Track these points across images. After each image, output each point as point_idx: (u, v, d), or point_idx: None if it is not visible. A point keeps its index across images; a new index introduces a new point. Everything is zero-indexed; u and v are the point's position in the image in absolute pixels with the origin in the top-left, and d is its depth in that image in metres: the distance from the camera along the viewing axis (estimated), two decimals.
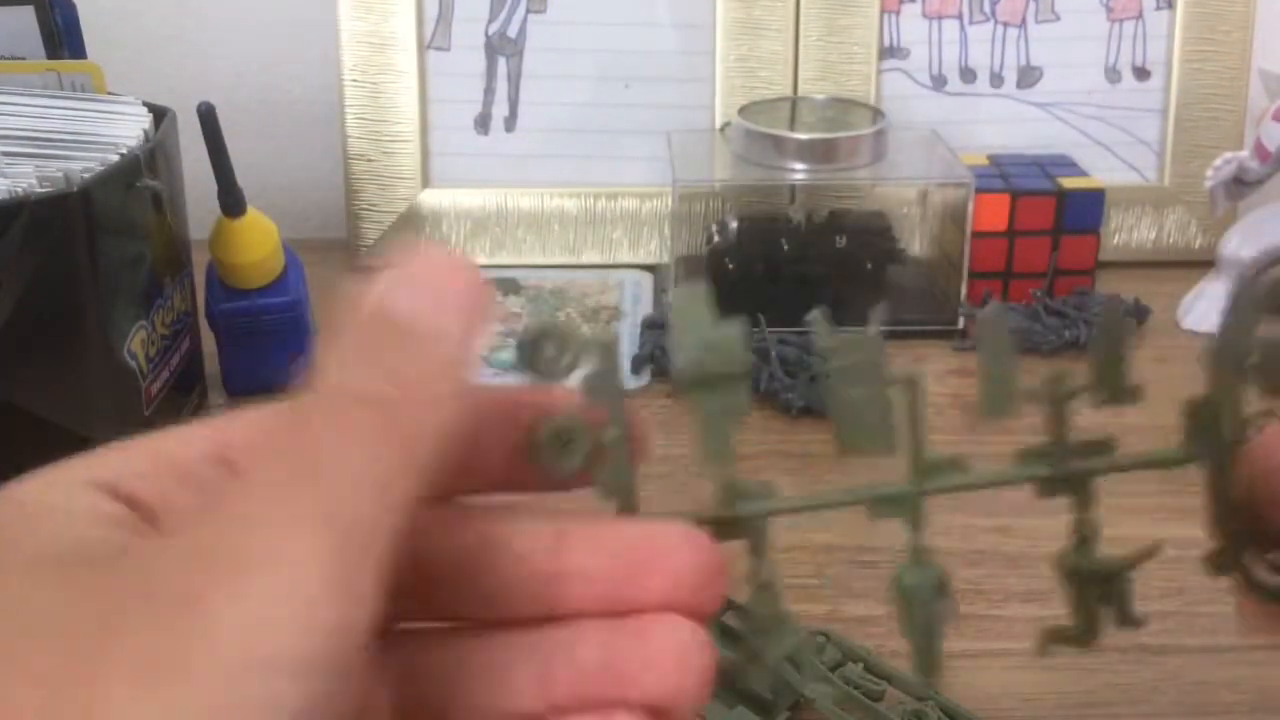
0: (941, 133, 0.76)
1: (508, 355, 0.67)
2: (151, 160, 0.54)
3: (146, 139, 0.55)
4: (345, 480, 0.21)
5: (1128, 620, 0.30)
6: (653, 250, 0.79)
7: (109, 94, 0.59)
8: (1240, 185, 0.70)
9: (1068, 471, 0.28)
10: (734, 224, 0.73)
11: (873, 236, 0.74)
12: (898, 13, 0.79)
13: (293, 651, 0.19)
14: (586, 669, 0.24)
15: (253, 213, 0.60)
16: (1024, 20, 0.80)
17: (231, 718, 0.19)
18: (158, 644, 0.19)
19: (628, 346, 0.67)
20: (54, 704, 0.19)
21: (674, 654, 0.24)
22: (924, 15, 0.80)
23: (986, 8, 0.80)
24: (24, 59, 0.60)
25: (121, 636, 0.19)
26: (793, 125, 0.75)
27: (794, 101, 0.78)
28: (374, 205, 0.79)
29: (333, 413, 0.22)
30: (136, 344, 0.54)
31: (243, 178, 0.59)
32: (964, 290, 0.70)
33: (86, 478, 0.23)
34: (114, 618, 0.20)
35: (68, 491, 0.23)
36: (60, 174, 0.50)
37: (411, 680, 0.25)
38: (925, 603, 0.28)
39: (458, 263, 0.25)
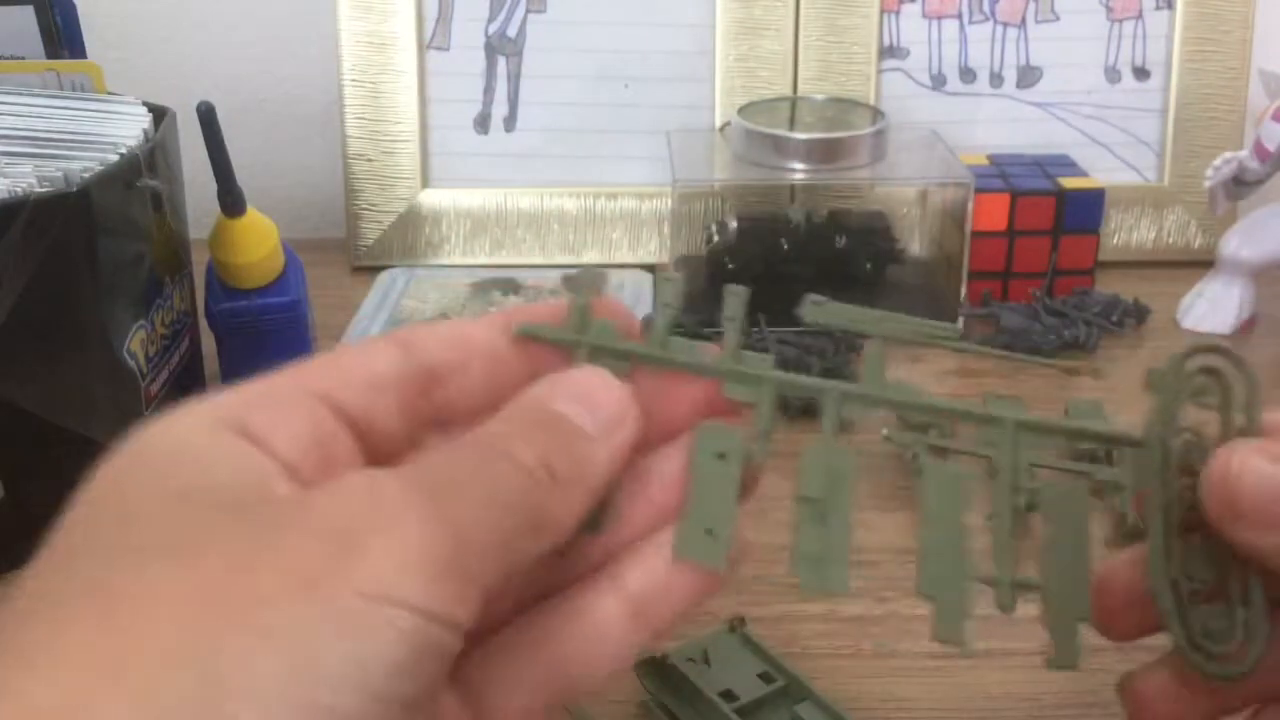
0: (941, 133, 0.76)
1: None
2: (151, 160, 0.54)
3: (146, 139, 0.55)
4: (475, 525, 0.25)
5: None
6: (652, 250, 0.79)
7: (109, 94, 0.59)
8: (1240, 185, 0.70)
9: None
10: (734, 224, 0.73)
11: (873, 236, 0.74)
12: (898, 13, 0.79)
13: (413, 601, 0.23)
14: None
15: (252, 213, 0.60)
16: (1024, 20, 0.80)
17: (357, 632, 0.22)
18: (305, 563, 0.23)
19: None
20: (215, 593, 0.22)
21: None
22: (924, 15, 0.80)
23: (986, 8, 0.80)
24: (24, 59, 0.60)
25: (275, 553, 0.23)
26: (792, 125, 0.75)
27: (794, 101, 0.78)
28: (374, 205, 0.79)
29: (484, 459, 0.26)
30: (136, 344, 0.54)
31: (242, 178, 0.59)
32: (964, 290, 0.70)
33: (220, 419, 0.26)
34: (269, 538, 0.23)
35: (210, 434, 0.26)
36: (60, 174, 0.50)
37: None
38: None
39: (613, 383, 0.29)
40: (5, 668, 0.21)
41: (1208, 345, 0.32)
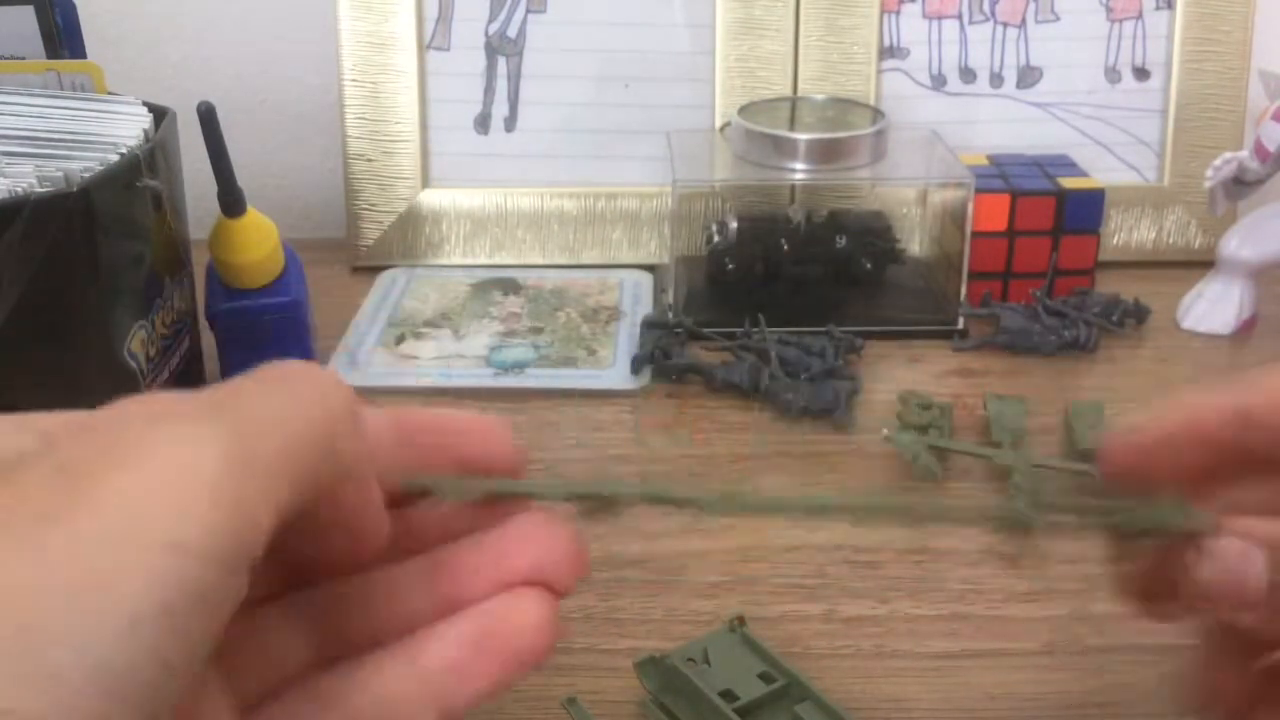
0: (941, 133, 0.76)
1: (507, 354, 0.67)
2: (151, 160, 0.54)
3: (146, 139, 0.55)
4: (260, 419, 0.22)
5: None
6: (652, 250, 0.79)
7: (109, 94, 0.59)
8: (1240, 185, 0.70)
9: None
10: (734, 224, 0.73)
11: (873, 236, 0.74)
12: (898, 13, 0.79)
13: (168, 536, 0.19)
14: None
15: (253, 213, 0.60)
16: (1024, 20, 0.80)
17: (107, 580, 0.19)
18: (50, 499, 0.19)
19: (627, 346, 0.67)
20: None
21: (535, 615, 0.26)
22: (924, 15, 0.80)
23: (986, 8, 0.80)
24: (24, 59, 0.60)
25: (15, 487, 0.20)
26: (793, 125, 0.75)
27: (794, 101, 0.78)
28: (374, 205, 0.79)
29: (268, 376, 0.24)
30: (136, 344, 0.54)
31: (242, 178, 0.59)
32: (964, 290, 0.70)
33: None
34: (11, 474, 0.20)
35: None
36: (60, 174, 0.50)
37: (324, 612, 0.27)
38: None
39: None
40: None
41: None
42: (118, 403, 0.23)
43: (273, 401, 0.23)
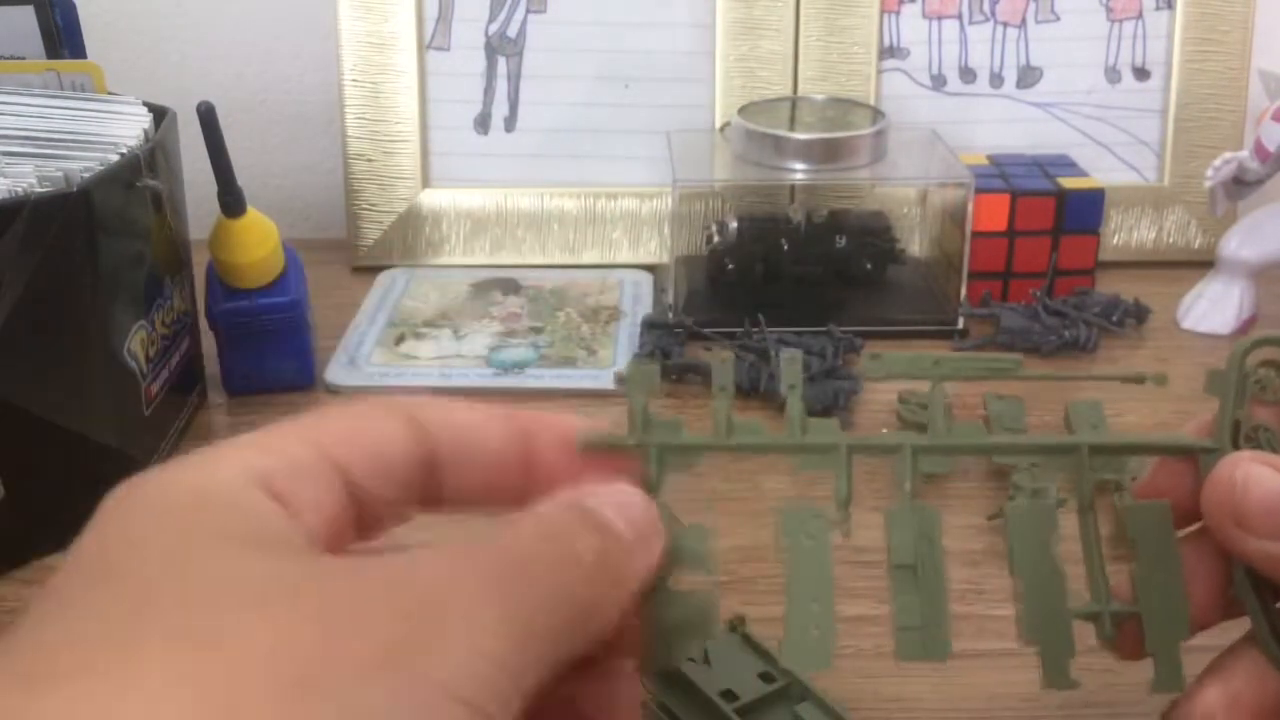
0: (941, 133, 0.76)
1: (507, 355, 0.67)
2: (151, 160, 0.54)
3: (146, 139, 0.55)
4: (541, 621, 0.25)
5: None
6: (653, 250, 0.79)
7: (109, 94, 0.59)
8: (1240, 185, 0.70)
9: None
10: (734, 224, 0.73)
11: (873, 236, 0.74)
12: (898, 13, 0.79)
13: (476, 699, 0.23)
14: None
15: (253, 213, 0.60)
16: (1024, 20, 0.80)
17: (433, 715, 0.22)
18: (392, 639, 0.22)
19: (627, 346, 0.67)
20: (308, 654, 0.22)
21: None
22: (924, 15, 0.80)
23: (986, 8, 0.80)
24: (24, 59, 0.60)
25: (365, 623, 0.23)
26: (793, 125, 0.75)
27: (794, 101, 0.78)
28: (374, 205, 0.79)
29: (556, 555, 0.26)
30: (136, 344, 0.54)
31: (242, 178, 0.59)
32: (964, 290, 0.70)
33: (251, 476, 0.25)
34: (357, 604, 0.23)
35: (231, 485, 0.25)
36: (60, 174, 0.50)
37: None
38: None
39: (646, 500, 0.29)
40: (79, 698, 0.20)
41: (1266, 338, 0.32)
42: (420, 556, 0.25)
43: (551, 586, 0.25)
